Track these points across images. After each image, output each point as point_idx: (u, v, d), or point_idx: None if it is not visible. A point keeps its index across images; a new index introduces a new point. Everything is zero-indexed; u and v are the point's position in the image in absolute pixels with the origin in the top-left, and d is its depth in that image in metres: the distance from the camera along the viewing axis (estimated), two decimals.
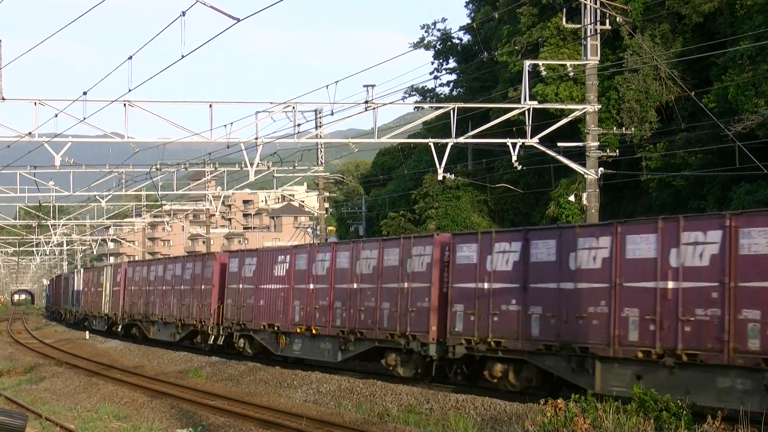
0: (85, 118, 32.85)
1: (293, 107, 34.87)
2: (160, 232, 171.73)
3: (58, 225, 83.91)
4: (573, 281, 24.63)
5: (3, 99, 31.49)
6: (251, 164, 39.36)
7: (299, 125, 35.51)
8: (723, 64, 41.61)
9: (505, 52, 51.96)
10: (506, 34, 54.89)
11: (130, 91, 30.08)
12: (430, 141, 36.71)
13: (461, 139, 35.40)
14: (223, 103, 35.56)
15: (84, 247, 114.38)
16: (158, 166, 51.05)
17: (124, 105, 32.73)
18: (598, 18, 34.32)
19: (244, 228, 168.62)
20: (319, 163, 54.77)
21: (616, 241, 23.51)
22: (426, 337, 29.57)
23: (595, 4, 34.05)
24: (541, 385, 26.54)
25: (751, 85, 39.21)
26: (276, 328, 38.25)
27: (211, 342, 44.01)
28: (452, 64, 69.75)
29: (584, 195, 34.81)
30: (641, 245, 22.93)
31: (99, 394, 31.24)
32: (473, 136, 36.21)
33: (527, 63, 34.88)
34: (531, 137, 34.38)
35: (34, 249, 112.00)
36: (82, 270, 79.99)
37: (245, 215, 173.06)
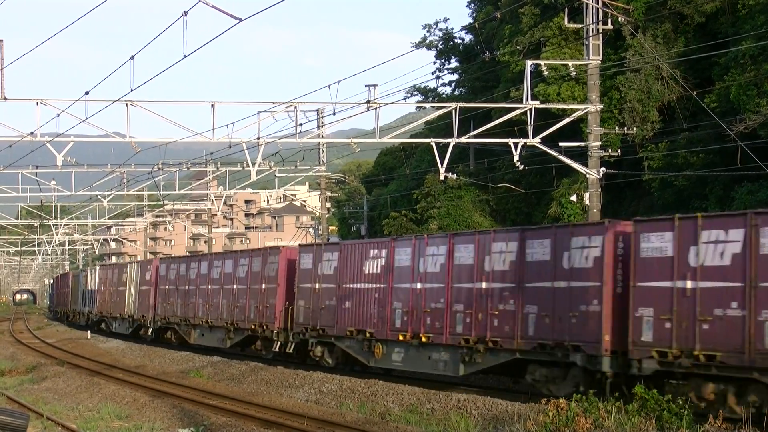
0: (87, 118, 32.85)
1: (295, 107, 34.86)
2: (161, 231, 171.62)
3: (60, 225, 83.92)
4: None
5: (5, 99, 31.51)
6: (253, 164, 39.34)
7: (301, 125, 35.51)
8: (725, 64, 41.59)
9: (506, 51, 51.94)
10: (508, 33, 54.86)
11: (132, 90, 30.08)
12: (432, 141, 36.69)
13: (463, 139, 35.39)
14: (225, 102, 35.53)
15: (86, 247, 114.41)
16: (160, 166, 51.03)
17: (126, 105, 32.73)
18: (600, 18, 34.31)
19: (246, 228, 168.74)
20: (321, 162, 54.76)
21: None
22: (596, 348, 24.26)
23: (597, 3, 34.03)
24: None
25: (753, 85, 39.19)
26: (368, 335, 32.75)
27: (276, 349, 38.52)
28: (454, 63, 69.81)
29: (586, 195, 34.78)
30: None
31: (100, 394, 31.24)
32: (475, 136, 36.19)
33: (529, 63, 34.87)
34: (533, 137, 34.36)
35: (36, 249, 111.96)
36: (97, 267, 72.16)
37: (247, 215, 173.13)
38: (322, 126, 42.48)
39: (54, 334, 70.99)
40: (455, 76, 69.70)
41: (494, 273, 27.49)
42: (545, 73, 38.32)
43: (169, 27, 21.40)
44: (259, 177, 45.62)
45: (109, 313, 64.53)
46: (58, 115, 33.52)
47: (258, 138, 35.77)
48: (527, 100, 34.41)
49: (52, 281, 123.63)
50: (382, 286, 32.18)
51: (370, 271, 32.80)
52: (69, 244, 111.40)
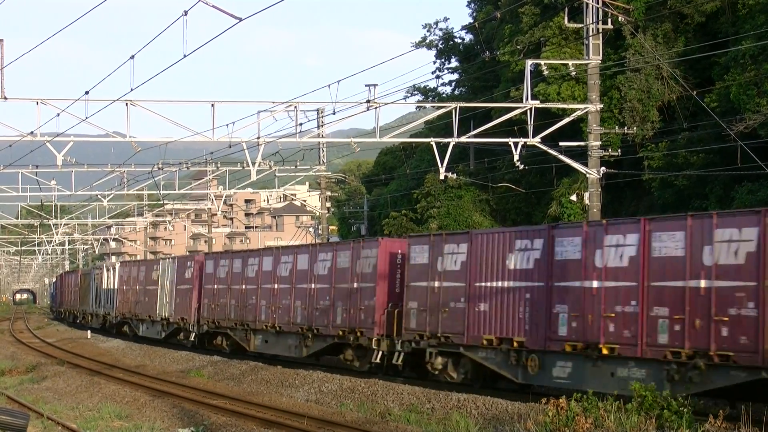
0: (87, 118, 32.87)
1: (295, 107, 34.88)
2: (162, 231, 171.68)
3: (60, 224, 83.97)
4: None
5: (5, 98, 31.52)
6: (253, 163, 39.35)
7: (301, 125, 35.53)
8: (725, 64, 41.59)
9: (506, 51, 51.94)
10: (508, 33, 54.86)
11: (132, 90, 30.13)
12: (432, 140, 36.70)
13: (463, 139, 35.40)
14: (225, 102, 35.57)
15: (86, 247, 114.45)
16: (160, 166, 51.05)
17: (126, 104, 32.75)
18: (600, 17, 34.32)
19: (246, 227, 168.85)
20: (321, 162, 54.78)
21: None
22: None
23: (597, 3, 34.04)
24: None
25: (753, 85, 39.18)
26: (517, 345, 26.53)
27: (376, 360, 32.38)
28: (454, 63, 69.81)
29: (586, 194, 34.80)
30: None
31: (101, 394, 31.23)
32: (475, 136, 36.21)
33: (529, 62, 34.89)
34: (533, 137, 34.37)
35: (36, 248, 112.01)
36: (117, 264, 65.47)
37: (247, 215, 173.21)
38: (322, 126, 42.49)
39: (54, 333, 71.00)
40: (455, 76, 69.78)
41: (719, 267, 21.70)
42: (545, 72, 38.33)
43: (169, 27, 21.43)
44: (259, 177, 45.62)
45: (134, 315, 57.54)
46: (58, 115, 33.56)
47: (258, 138, 35.79)
48: (527, 99, 34.42)
49: (54, 280, 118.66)
50: (536, 284, 26.19)
51: (518, 266, 26.81)
52: (69, 244, 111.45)
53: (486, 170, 56.85)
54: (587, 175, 34.69)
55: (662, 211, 40.76)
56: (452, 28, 71.34)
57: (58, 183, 56.30)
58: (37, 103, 32.82)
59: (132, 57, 27.77)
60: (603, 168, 34.93)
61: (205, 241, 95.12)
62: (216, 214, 74.58)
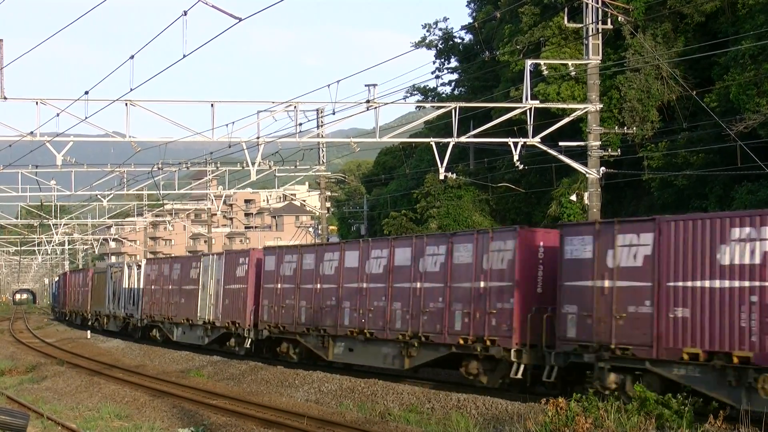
0: (86, 118, 32.87)
1: (295, 106, 34.86)
2: (161, 231, 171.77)
3: (60, 224, 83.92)
4: None
5: (5, 98, 31.51)
6: (253, 163, 39.34)
7: (301, 125, 35.51)
8: (725, 64, 41.58)
9: (506, 51, 51.94)
10: (508, 33, 54.86)
11: (131, 90, 30.11)
12: (432, 140, 36.70)
13: (463, 139, 35.39)
14: (225, 102, 35.54)
15: (85, 247, 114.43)
16: (160, 166, 51.03)
17: (126, 104, 32.73)
18: (600, 17, 34.31)
19: (246, 227, 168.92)
20: (321, 162, 54.78)
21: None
22: None
23: (597, 3, 34.04)
24: None
25: (753, 85, 39.18)
26: (733, 360, 21.40)
27: (516, 375, 26.73)
28: (454, 63, 69.80)
29: (586, 194, 34.79)
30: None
31: (100, 394, 31.24)
32: (475, 136, 36.20)
33: (529, 62, 34.87)
34: (533, 137, 34.36)
35: (36, 248, 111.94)
36: (143, 262, 59.46)
37: (247, 215, 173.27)
38: (321, 125, 42.47)
39: (54, 333, 71.01)
40: (455, 76, 69.77)
41: None
42: (545, 72, 38.31)
43: (169, 26, 21.43)
44: (258, 177, 45.58)
45: (166, 318, 51.28)
46: (57, 115, 33.56)
47: (258, 137, 35.78)
48: (527, 99, 34.41)
49: (56, 279, 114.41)
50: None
51: (736, 261, 21.59)
52: (69, 244, 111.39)
53: (486, 170, 56.85)
54: (587, 175, 34.68)
55: (662, 212, 40.75)
56: (452, 28, 71.48)
57: (57, 183, 56.28)
58: (37, 103, 32.81)
59: (132, 57, 27.77)
60: (603, 168, 34.92)
61: (205, 241, 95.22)
62: (216, 214, 74.61)
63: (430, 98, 68.13)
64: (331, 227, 75.68)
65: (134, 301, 58.20)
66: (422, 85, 69.25)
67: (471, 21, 66.71)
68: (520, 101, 35.75)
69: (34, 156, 43.78)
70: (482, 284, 28.12)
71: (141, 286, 56.57)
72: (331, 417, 24.61)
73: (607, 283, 24.05)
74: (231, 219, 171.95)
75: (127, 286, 60.30)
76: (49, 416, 25.08)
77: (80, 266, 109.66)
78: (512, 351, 26.65)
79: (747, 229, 21.20)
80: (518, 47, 49.92)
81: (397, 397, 27.38)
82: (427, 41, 68.91)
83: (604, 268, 24.17)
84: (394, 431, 22.48)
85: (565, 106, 39.63)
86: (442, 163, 35.02)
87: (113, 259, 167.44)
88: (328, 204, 59.01)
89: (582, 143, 35.91)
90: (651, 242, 23.09)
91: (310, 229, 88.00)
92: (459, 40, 69.16)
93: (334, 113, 34.93)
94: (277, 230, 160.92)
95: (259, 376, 34.49)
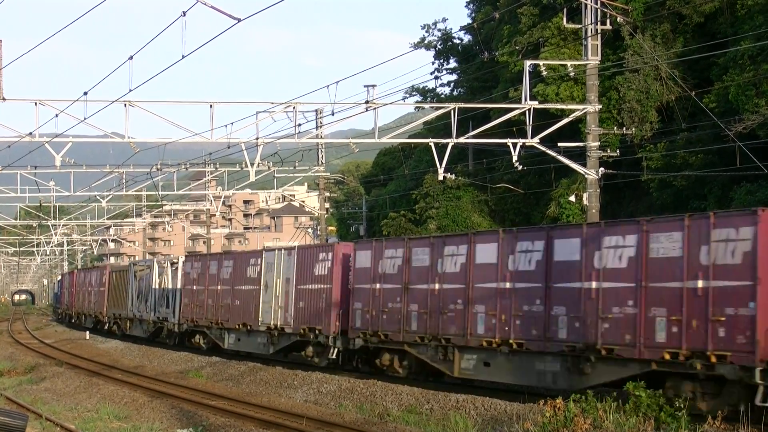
0: (85, 118, 32.86)
1: (294, 107, 34.86)
2: (160, 232, 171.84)
3: (59, 225, 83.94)
4: None
5: (4, 99, 31.50)
6: (252, 164, 39.34)
7: (300, 125, 35.51)
8: (724, 64, 41.59)
9: (505, 52, 51.94)
10: (507, 34, 54.88)
11: (130, 91, 30.08)
12: (431, 141, 36.70)
13: (462, 139, 35.39)
14: (224, 103, 35.62)
15: (84, 247, 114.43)
16: (159, 167, 51.02)
17: (125, 105, 32.73)
18: (599, 18, 34.31)
19: (245, 228, 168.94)
20: (320, 163, 54.79)
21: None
22: None
23: (596, 4, 34.03)
24: None
25: (752, 85, 39.19)
26: None
27: (765, 403, 20.01)
28: (453, 64, 69.81)
29: (585, 195, 34.78)
30: None
31: (99, 394, 31.24)
32: (474, 136, 36.19)
33: (528, 63, 34.86)
34: (532, 137, 34.36)
35: (35, 249, 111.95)
36: (181, 259, 52.39)
37: (246, 215, 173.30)
38: (320, 126, 42.43)
39: (52, 334, 70.98)
40: (454, 77, 69.77)
41: None
42: (544, 73, 38.32)
43: (168, 27, 21.39)
44: (257, 177, 45.56)
45: (214, 323, 44.53)
46: (56, 116, 33.55)
47: (257, 138, 35.77)
48: (526, 100, 34.41)
49: (59, 278, 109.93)
50: None
51: None
52: (67, 245, 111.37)
53: (485, 171, 56.86)
54: (586, 176, 34.67)
55: (661, 212, 40.76)
56: (451, 29, 71.42)
57: (56, 184, 56.32)
58: (36, 103, 32.81)
59: (131, 58, 27.74)
60: (602, 169, 34.91)
61: (204, 242, 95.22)
62: (215, 215, 74.60)
63: (429, 99, 68.12)
64: (330, 228, 75.70)
65: (168, 303, 51.29)
66: (421, 86, 69.33)
67: (470, 21, 66.71)
68: (519, 102, 35.74)
69: (33, 157, 43.77)
70: (699, 283, 21.53)
71: (178, 286, 50.06)
72: (330, 418, 24.60)
73: None
74: (230, 220, 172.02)
75: (158, 286, 53.66)
76: (47, 417, 25.08)
77: (79, 266, 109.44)
78: (758, 371, 20.13)
79: None
80: (517, 48, 49.92)
81: (396, 397, 27.37)
82: (426, 42, 68.91)
83: None
84: None
85: (564, 106, 39.63)
86: (441, 164, 35.01)
87: (112, 260, 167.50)
88: (327, 205, 59.00)
89: (581, 144, 35.90)
90: None
91: (309, 230, 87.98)
92: (458, 41, 69.21)
93: (333, 114, 34.91)
94: (275, 231, 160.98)
95: (258, 377, 34.49)
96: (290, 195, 77.39)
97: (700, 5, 44.35)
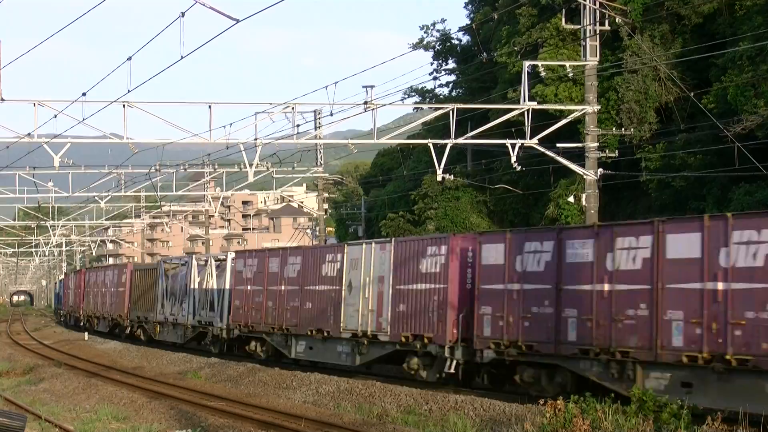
0: (84, 119, 32.86)
1: (292, 108, 34.88)
2: (159, 233, 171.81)
3: (57, 226, 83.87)
4: None
5: (2, 100, 31.49)
6: (250, 165, 39.36)
7: (298, 126, 35.55)
8: (722, 65, 41.60)
9: (504, 52, 51.95)
10: (505, 34, 54.88)
11: (129, 91, 30.07)
12: (430, 142, 36.72)
13: (460, 140, 35.40)
14: (223, 103, 35.71)
15: (83, 248, 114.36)
16: (157, 167, 51.03)
17: (124, 106, 32.74)
18: (598, 19, 34.32)
19: (243, 229, 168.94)
20: (319, 163, 54.79)
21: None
22: None
23: (595, 4, 34.05)
24: None
25: (751, 86, 39.21)
26: None
27: None
28: (451, 64, 69.78)
29: (583, 196, 34.80)
30: None
31: (98, 395, 31.22)
32: (472, 137, 36.19)
33: (526, 64, 34.89)
34: (530, 138, 34.37)
35: (33, 250, 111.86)
36: (230, 255, 45.76)
37: (244, 216, 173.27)
38: (319, 127, 42.47)
39: (51, 335, 70.93)
40: (453, 77, 69.73)
41: None
42: (543, 74, 38.38)
43: (167, 28, 21.37)
44: (256, 178, 45.56)
45: (277, 328, 38.69)
46: (55, 116, 33.57)
47: (255, 139, 35.78)
48: (525, 101, 34.43)
49: (61, 278, 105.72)
50: None
51: None
52: (66, 246, 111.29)
53: (483, 171, 56.86)
54: (584, 177, 34.68)
55: (659, 213, 40.77)
56: (449, 30, 71.39)
57: (55, 184, 56.32)
58: (35, 104, 32.80)
59: (129, 58, 27.74)
60: (600, 169, 34.94)
61: (203, 243, 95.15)
62: (213, 216, 74.60)
63: (428, 99, 68.12)
64: (328, 229, 75.71)
65: (213, 306, 45.64)
66: (420, 87, 69.31)
67: (469, 22, 66.70)
68: (518, 103, 35.75)
69: (32, 157, 43.71)
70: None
71: (226, 287, 44.42)
72: (329, 419, 24.58)
73: None
74: (229, 221, 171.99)
75: (198, 287, 47.71)
76: (46, 418, 25.05)
77: (77, 267, 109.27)
78: None
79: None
80: (516, 48, 49.94)
81: (395, 398, 27.36)
82: (424, 42, 68.89)
83: None
84: None
85: (562, 107, 39.64)
86: (439, 165, 35.02)
87: (111, 260, 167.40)
88: (325, 205, 58.99)
89: (580, 145, 35.92)
90: None
91: (308, 231, 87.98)
92: (457, 42, 69.19)
93: (331, 114, 34.91)
94: (274, 232, 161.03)
95: (257, 378, 34.46)
96: (289, 196, 77.34)
97: (698, 6, 44.37)
